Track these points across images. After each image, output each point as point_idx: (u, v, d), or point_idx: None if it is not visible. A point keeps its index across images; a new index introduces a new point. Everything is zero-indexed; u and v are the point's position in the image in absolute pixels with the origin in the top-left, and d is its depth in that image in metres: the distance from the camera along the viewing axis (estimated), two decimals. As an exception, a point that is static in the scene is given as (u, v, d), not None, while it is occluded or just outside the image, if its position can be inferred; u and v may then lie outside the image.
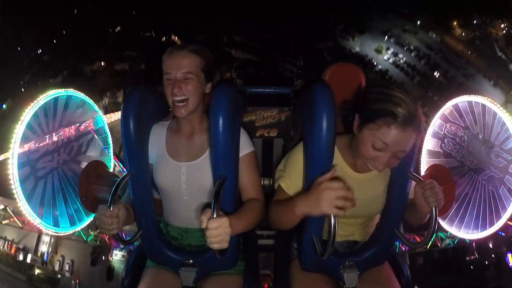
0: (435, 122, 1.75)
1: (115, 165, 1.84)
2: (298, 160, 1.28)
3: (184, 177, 1.31)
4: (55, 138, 1.50)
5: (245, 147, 1.32)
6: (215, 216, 1.02)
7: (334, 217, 1.04)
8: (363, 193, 1.28)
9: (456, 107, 1.62)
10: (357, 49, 29.04)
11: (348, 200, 1.01)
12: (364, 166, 1.18)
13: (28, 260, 12.41)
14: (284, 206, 1.19)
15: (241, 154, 1.30)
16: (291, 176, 1.30)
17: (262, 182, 2.06)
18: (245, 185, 1.32)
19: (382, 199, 1.32)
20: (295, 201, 1.11)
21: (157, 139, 1.36)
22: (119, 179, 1.22)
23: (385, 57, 28.82)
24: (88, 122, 1.70)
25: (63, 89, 1.52)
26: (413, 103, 1.08)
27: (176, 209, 1.40)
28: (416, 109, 1.08)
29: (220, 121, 1.16)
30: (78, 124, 1.64)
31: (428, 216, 1.25)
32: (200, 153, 1.33)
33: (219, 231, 1.02)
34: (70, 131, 1.59)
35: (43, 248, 12.55)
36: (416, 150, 1.26)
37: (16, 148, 1.30)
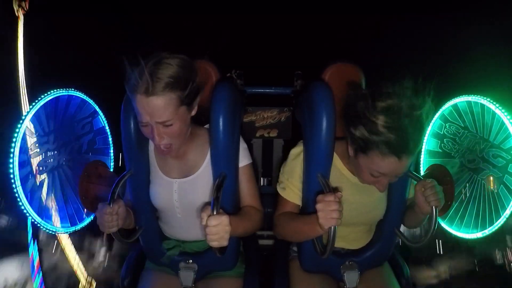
0: (434, 122, 1.75)
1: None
2: (298, 162, 1.28)
3: (177, 195, 1.28)
4: (55, 138, 1.50)
5: (244, 159, 1.30)
6: (215, 213, 1.02)
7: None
8: (364, 197, 1.28)
9: (455, 107, 1.62)
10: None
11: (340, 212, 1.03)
12: (366, 183, 1.18)
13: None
14: (302, 223, 1.19)
15: (240, 165, 1.29)
16: (294, 182, 1.30)
17: (262, 183, 2.07)
18: (245, 197, 1.31)
19: (383, 204, 1.32)
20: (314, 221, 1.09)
21: (150, 151, 1.32)
22: (118, 178, 1.22)
23: None
24: (88, 122, 1.70)
25: (64, 89, 1.52)
26: (403, 121, 0.95)
27: (172, 225, 1.39)
28: (409, 127, 0.96)
29: (220, 120, 1.16)
30: (78, 124, 1.64)
31: (426, 217, 1.25)
32: (193, 170, 1.28)
33: (218, 229, 1.02)
34: (70, 131, 1.59)
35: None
36: None
37: (16, 148, 1.30)
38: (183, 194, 1.27)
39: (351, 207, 1.26)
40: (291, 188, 1.30)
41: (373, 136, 1.00)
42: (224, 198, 1.14)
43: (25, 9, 2.21)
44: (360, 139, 1.04)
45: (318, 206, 1.05)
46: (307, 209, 1.25)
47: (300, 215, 1.25)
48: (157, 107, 1.02)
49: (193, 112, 1.17)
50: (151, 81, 1.00)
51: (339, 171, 1.28)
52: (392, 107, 0.97)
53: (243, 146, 1.30)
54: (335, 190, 1.10)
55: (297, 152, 1.30)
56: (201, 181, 1.26)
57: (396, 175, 1.09)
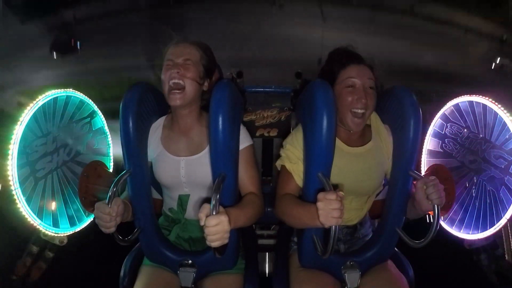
0: (436, 122, 1.74)
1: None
2: (298, 132, 1.33)
3: (184, 171, 1.32)
4: (54, 139, 1.49)
5: (243, 141, 1.31)
6: (214, 213, 1.02)
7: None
8: (356, 165, 1.33)
9: (457, 107, 1.61)
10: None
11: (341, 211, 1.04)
12: (353, 119, 1.28)
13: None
14: (303, 213, 1.19)
15: (240, 147, 1.29)
16: (296, 152, 1.32)
17: (262, 183, 2.06)
18: (243, 179, 1.31)
19: (375, 175, 1.35)
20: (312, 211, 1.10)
21: (154, 136, 1.37)
22: (117, 177, 1.21)
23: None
24: (87, 122, 1.70)
25: (62, 89, 1.52)
26: (347, 49, 1.36)
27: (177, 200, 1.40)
28: (352, 51, 1.36)
29: (220, 120, 1.15)
30: (77, 124, 1.63)
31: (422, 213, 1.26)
32: (199, 149, 1.32)
33: (218, 229, 1.02)
34: (69, 131, 1.58)
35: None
36: (416, 149, 1.26)
37: (15, 149, 1.30)
38: (190, 171, 1.32)
39: (346, 175, 1.30)
40: (292, 160, 1.32)
41: (332, 63, 1.35)
42: (224, 197, 1.14)
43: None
44: (327, 74, 1.33)
45: (319, 205, 1.04)
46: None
47: (302, 203, 1.24)
48: (187, 49, 1.30)
49: (204, 87, 1.33)
50: (185, 39, 1.34)
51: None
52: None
53: (242, 130, 1.32)
54: (336, 188, 1.10)
55: (297, 128, 1.36)
56: (207, 159, 1.27)
57: (364, 82, 1.27)
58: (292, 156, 1.32)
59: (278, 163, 1.38)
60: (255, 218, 1.27)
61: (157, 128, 1.38)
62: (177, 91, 1.24)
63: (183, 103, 1.26)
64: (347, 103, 1.27)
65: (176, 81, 1.23)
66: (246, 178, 1.32)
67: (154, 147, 1.36)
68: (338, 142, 1.32)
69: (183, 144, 1.34)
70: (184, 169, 1.32)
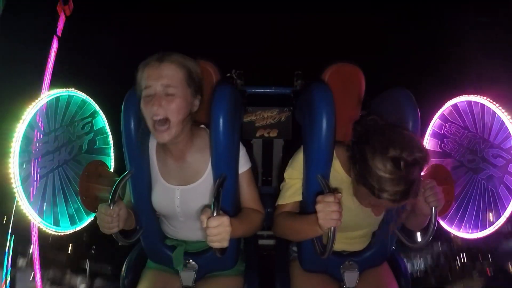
0: (435, 122, 1.75)
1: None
2: (299, 154, 1.30)
3: (179, 201, 1.28)
4: (56, 138, 1.50)
5: (244, 164, 1.30)
6: (215, 214, 1.03)
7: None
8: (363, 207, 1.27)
9: (455, 107, 1.62)
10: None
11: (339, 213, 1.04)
12: None
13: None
14: (301, 223, 1.19)
15: (240, 171, 1.28)
16: (295, 173, 1.30)
17: (262, 183, 2.07)
18: (246, 201, 1.31)
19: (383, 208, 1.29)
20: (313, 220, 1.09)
21: (150, 154, 1.31)
22: (119, 178, 1.22)
23: None
24: (89, 122, 1.71)
25: (65, 89, 1.53)
26: (402, 173, 1.02)
27: (173, 227, 1.39)
28: (406, 178, 1.03)
29: (221, 121, 1.16)
30: (79, 124, 1.64)
31: (427, 218, 1.25)
32: (196, 177, 1.27)
33: (219, 229, 1.02)
34: (71, 130, 1.59)
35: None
36: None
37: (17, 148, 1.31)
38: (186, 201, 1.27)
39: (352, 212, 1.25)
40: (291, 184, 1.30)
41: (374, 177, 1.06)
42: (224, 200, 1.14)
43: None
44: (362, 171, 1.09)
45: (318, 207, 1.05)
46: (307, 209, 1.25)
47: (300, 215, 1.26)
48: (166, 71, 1.12)
49: (195, 107, 1.21)
50: (164, 54, 1.15)
51: (340, 176, 1.27)
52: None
53: (242, 150, 1.30)
54: (335, 191, 1.10)
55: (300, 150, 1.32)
56: (204, 188, 1.26)
57: (392, 204, 1.10)
58: (290, 181, 1.31)
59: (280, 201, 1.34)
60: (253, 231, 1.28)
61: (151, 146, 1.30)
62: (162, 127, 1.11)
63: (171, 138, 1.14)
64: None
65: (160, 117, 1.10)
66: (248, 197, 1.31)
67: (151, 167, 1.30)
68: (345, 176, 1.26)
69: (178, 171, 1.28)
70: (179, 199, 1.27)
